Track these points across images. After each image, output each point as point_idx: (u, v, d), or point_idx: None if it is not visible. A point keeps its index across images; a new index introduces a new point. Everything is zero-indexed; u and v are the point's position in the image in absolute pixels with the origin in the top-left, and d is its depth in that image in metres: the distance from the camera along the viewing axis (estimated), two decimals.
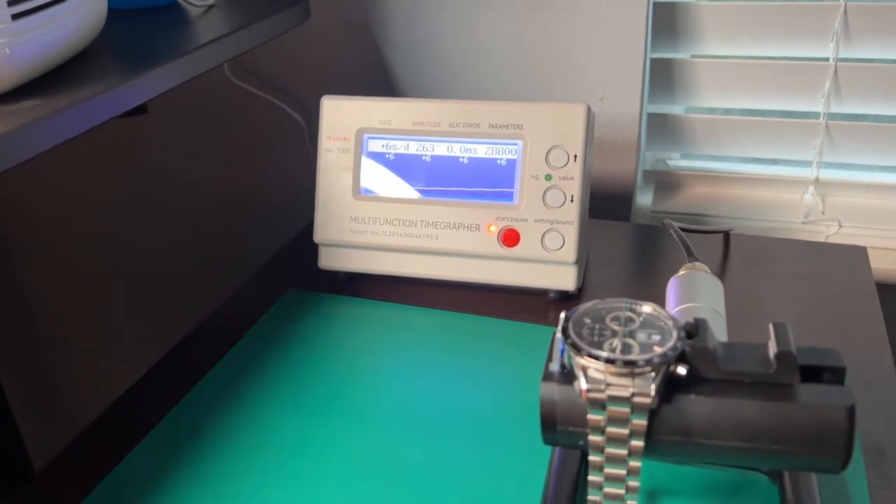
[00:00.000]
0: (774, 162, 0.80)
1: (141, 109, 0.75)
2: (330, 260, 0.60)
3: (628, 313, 0.34)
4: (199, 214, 0.71)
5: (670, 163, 0.82)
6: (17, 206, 0.55)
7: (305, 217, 0.59)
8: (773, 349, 0.31)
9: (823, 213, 0.75)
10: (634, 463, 0.32)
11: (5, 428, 0.51)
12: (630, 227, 0.71)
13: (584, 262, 0.61)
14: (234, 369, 0.52)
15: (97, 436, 0.47)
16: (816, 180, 0.75)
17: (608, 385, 0.31)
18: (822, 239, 0.73)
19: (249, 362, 0.52)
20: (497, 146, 0.56)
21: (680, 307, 0.38)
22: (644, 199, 0.80)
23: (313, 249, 0.64)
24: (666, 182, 0.82)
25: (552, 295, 0.58)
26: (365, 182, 0.58)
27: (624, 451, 0.31)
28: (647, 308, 0.34)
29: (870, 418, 0.45)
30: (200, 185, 0.71)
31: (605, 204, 0.77)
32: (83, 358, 0.58)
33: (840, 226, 0.74)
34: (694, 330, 0.32)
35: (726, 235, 0.64)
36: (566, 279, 0.57)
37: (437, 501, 0.41)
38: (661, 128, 0.78)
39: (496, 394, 0.49)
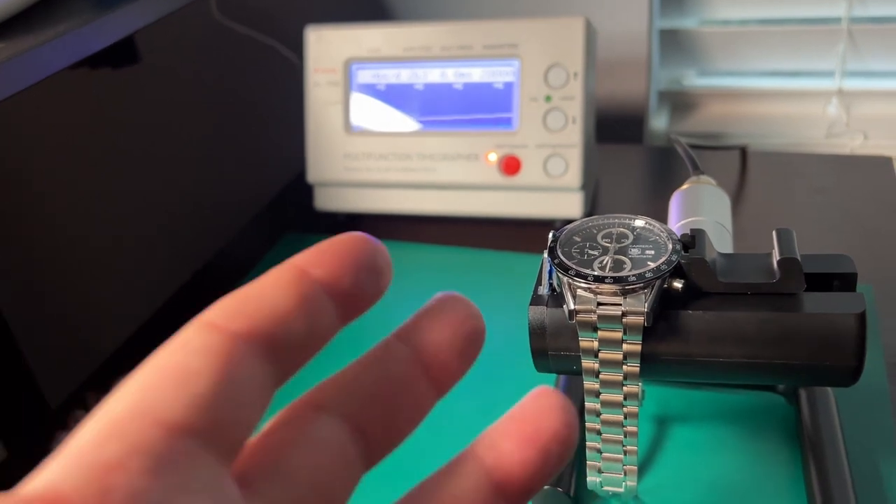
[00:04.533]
0: (795, 75, 0.76)
1: (132, 59, 0.73)
2: (326, 201, 0.58)
3: (620, 229, 0.31)
4: (194, 161, 0.69)
5: (685, 82, 0.78)
6: (13, 158, 0.54)
7: (303, 159, 0.57)
8: (776, 257, 0.28)
9: (848, 126, 0.71)
10: (631, 387, 0.30)
11: (17, 367, 0.51)
12: (642, 150, 0.68)
13: (593, 189, 0.58)
14: None
15: (105, 378, 0.47)
16: (840, 91, 0.71)
17: (598, 305, 0.28)
18: (846, 153, 0.70)
19: None
20: (492, 68, 0.53)
21: (682, 222, 0.36)
22: (659, 121, 0.77)
23: (311, 192, 0.63)
24: (682, 102, 0.78)
25: (558, 224, 0.55)
26: (356, 116, 0.56)
27: (619, 375, 0.29)
28: (640, 222, 0.31)
29: (895, 333, 0.42)
30: (195, 132, 0.70)
31: (615, 127, 0.74)
32: (86, 304, 0.57)
33: (865, 137, 0.70)
34: (691, 242, 0.30)
35: (743, 152, 0.61)
36: (572, 206, 0.54)
37: (438, 437, 0.39)
38: (674, 44, 0.74)
39: (503, 328, 0.47)
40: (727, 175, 0.59)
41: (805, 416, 0.36)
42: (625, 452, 0.31)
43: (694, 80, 0.78)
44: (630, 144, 0.69)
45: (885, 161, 0.58)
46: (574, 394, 0.38)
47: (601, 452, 0.32)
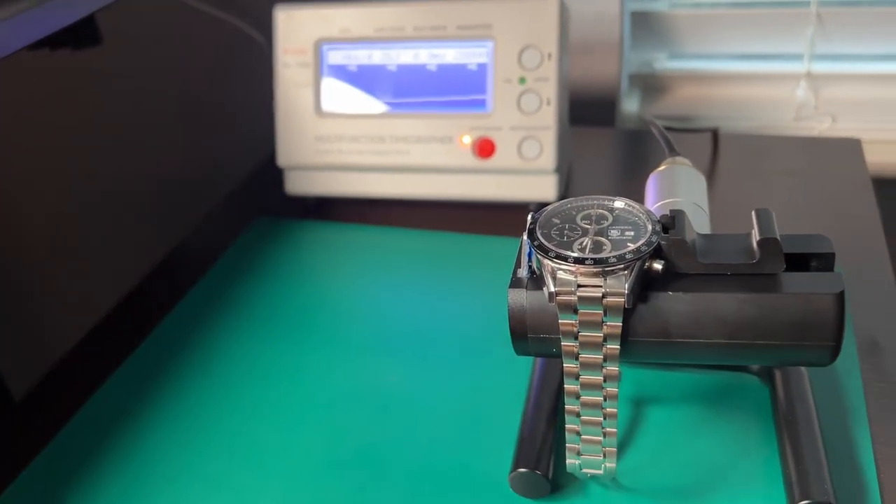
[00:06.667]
0: (765, 58, 0.76)
1: (94, 39, 0.71)
2: (297, 184, 0.57)
3: (600, 210, 0.31)
4: (159, 144, 0.68)
5: (656, 65, 0.78)
6: None
7: (272, 142, 0.56)
8: (755, 238, 0.28)
9: (816, 109, 0.72)
10: (611, 368, 0.29)
11: None
12: (615, 133, 0.68)
13: (566, 172, 0.58)
14: (203, 300, 0.50)
15: (70, 368, 0.46)
16: (808, 74, 0.71)
17: (578, 286, 0.28)
18: (815, 135, 0.70)
19: (219, 293, 0.50)
20: (466, 49, 0.52)
21: (659, 203, 0.36)
22: (630, 104, 0.77)
23: (282, 176, 0.62)
24: (653, 85, 0.78)
25: (533, 207, 0.55)
26: (327, 98, 0.55)
27: (599, 357, 0.29)
28: (619, 203, 0.31)
29: (865, 312, 0.42)
30: (160, 114, 0.68)
31: (587, 110, 0.74)
32: (48, 294, 0.56)
33: (833, 120, 0.70)
34: (670, 223, 0.29)
35: (714, 134, 0.61)
36: (546, 189, 0.54)
37: (415, 422, 0.39)
38: (645, 26, 0.74)
39: (477, 312, 0.47)
40: (699, 157, 0.59)
41: (780, 395, 0.36)
42: (604, 434, 0.31)
43: (665, 63, 0.78)
44: (602, 127, 0.69)
45: (854, 143, 0.58)
46: (552, 377, 0.38)
47: (580, 435, 0.31)
